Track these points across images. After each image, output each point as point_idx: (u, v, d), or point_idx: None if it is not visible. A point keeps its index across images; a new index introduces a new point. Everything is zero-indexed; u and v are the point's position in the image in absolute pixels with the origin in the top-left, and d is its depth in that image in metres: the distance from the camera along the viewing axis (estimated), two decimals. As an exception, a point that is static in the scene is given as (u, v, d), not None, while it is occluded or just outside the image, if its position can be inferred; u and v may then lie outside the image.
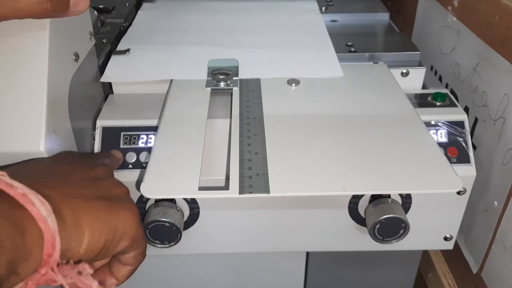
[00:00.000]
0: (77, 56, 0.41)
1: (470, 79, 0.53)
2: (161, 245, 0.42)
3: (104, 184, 0.34)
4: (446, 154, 0.44)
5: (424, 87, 0.51)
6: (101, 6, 0.62)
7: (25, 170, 0.33)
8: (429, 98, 0.48)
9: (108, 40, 0.53)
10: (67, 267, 0.28)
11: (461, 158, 0.44)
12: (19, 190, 0.26)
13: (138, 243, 0.34)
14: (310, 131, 0.40)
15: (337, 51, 0.53)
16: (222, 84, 0.47)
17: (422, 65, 0.51)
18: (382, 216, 0.41)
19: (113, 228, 0.31)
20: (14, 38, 0.35)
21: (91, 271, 0.29)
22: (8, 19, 0.28)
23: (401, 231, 0.42)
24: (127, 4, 0.64)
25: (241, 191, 0.34)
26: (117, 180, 0.37)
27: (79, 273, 0.29)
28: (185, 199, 0.43)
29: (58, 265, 0.27)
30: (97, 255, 0.31)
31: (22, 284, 0.26)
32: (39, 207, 0.26)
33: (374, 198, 0.43)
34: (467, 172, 0.44)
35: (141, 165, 0.43)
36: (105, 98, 0.48)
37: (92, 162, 0.37)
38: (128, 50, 0.52)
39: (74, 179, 0.32)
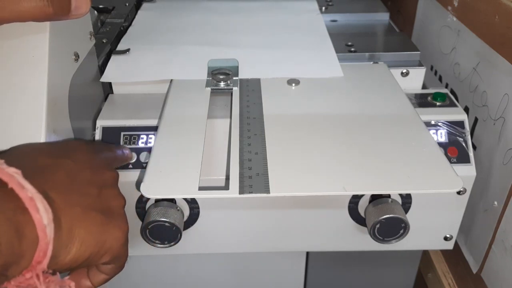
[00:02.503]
0: (77, 56, 0.41)
1: (470, 79, 0.53)
2: (161, 245, 0.42)
3: (106, 193, 0.34)
4: (446, 154, 0.44)
5: (424, 87, 0.51)
6: (101, 6, 0.62)
7: (34, 160, 0.32)
8: (429, 98, 0.48)
9: (108, 40, 0.53)
10: (52, 278, 0.28)
11: (461, 158, 0.44)
12: (28, 193, 0.26)
13: (119, 259, 0.35)
14: (310, 131, 0.40)
15: (337, 51, 0.53)
16: (222, 84, 0.47)
17: (422, 65, 0.51)
18: (382, 216, 0.41)
19: (101, 243, 0.32)
20: (14, 38, 0.35)
21: None
22: (9, 22, 0.28)
23: (401, 231, 0.42)
24: (127, 4, 0.64)
25: (241, 191, 0.34)
26: (118, 190, 0.37)
27: None
28: (185, 199, 0.43)
29: (43, 272, 0.27)
30: (79, 265, 0.31)
31: (5, 284, 0.27)
32: (42, 214, 0.27)
33: (374, 198, 0.43)
34: (467, 172, 0.44)
35: (141, 165, 0.43)
36: (105, 98, 0.48)
37: (102, 162, 0.37)
38: (128, 50, 0.52)
39: (80, 182, 0.32)
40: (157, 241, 0.42)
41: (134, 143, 0.43)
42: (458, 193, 0.44)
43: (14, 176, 0.27)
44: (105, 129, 0.44)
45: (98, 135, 0.44)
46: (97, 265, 0.35)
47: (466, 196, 0.45)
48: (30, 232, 0.26)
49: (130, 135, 0.44)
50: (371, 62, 0.53)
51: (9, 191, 0.26)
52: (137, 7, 0.66)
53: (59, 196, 0.29)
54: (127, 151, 0.42)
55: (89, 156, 0.35)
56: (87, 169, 0.34)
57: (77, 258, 0.30)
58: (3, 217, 0.25)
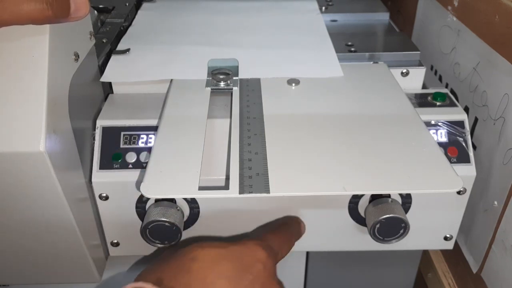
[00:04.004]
0: (77, 56, 0.41)
1: (470, 79, 0.53)
2: (161, 245, 0.42)
3: None
4: (446, 154, 0.44)
5: (424, 87, 0.51)
6: (101, 6, 0.62)
7: None
8: (429, 98, 0.48)
9: (108, 40, 0.53)
10: None
11: (461, 158, 0.44)
12: None
13: None
14: (310, 131, 0.40)
15: (337, 51, 0.53)
16: (222, 84, 0.47)
17: (422, 65, 0.51)
18: (382, 216, 0.41)
19: None
20: (14, 38, 0.35)
21: None
22: (9, 24, 0.29)
23: (401, 231, 0.42)
24: (127, 4, 0.64)
25: (241, 191, 0.34)
26: None
27: None
28: (185, 199, 0.43)
29: None
30: None
31: None
32: None
33: (374, 198, 0.43)
34: (467, 172, 0.44)
35: (141, 165, 0.43)
36: (105, 98, 0.48)
37: (275, 278, 0.36)
38: (128, 50, 0.52)
39: None
40: (157, 241, 0.42)
41: (134, 143, 0.43)
42: (458, 193, 0.44)
43: None
44: (105, 129, 0.44)
45: (98, 135, 0.44)
46: None
47: (466, 196, 0.45)
48: None
49: (130, 135, 0.44)
50: (371, 62, 0.53)
51: None
52: (137, 7, 0.66)
53: None
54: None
55: (269, 278, 0.34)
56: None
57: None
58: None
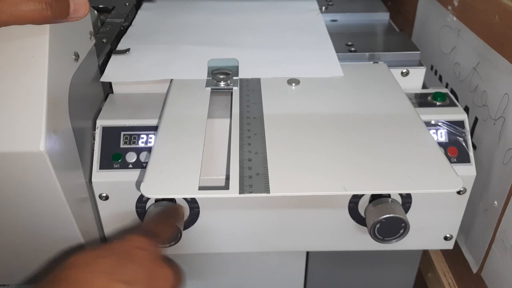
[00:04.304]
0: (77, 55, 0.41)
1: (470, 78, 0.53)
2: (161, 245, 0.42)
3: None
4: (446, 154, 0.44)
5: (424, 86, 0.51)
6: (101, 6, 0.62)
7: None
8: (429, 98, 0.48)
9: (108, 40, 0.53)
10: None
11: (461, 157, 0.44)
12: None
13: None
14: (310, 131, 0.40)
15: (337, 51, 0.53)
16: (222, 84, 0.47)
17: (422, 65, 0.51)
18: (382, 215, 0.41)
19: None
20: (14, 38, 0.35)
21: None
22: (9, 24, 0.29)
23: (401, 231, 0.42)
24: (127, 4, 0.64)
25: (241, 191, 0.34)
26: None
27: None
28: (185, 198, 0.43)
29: None
30: None
31: None
32: None
33: (374, 197, 0.43)
34: (467, 172, 0.44)
35: (141, 165, 0.43)
36: (105, 98, 0.48)
37: (161, 264, 0.36)
38: (128, 50, 0.52)
39: None
40: (157, 241, 0.42)
41: (134, 143, 0.43)
42: (458, 193, 0.44)
43: None
44: (105, 129, 0.44)
45: (98, 135, 0.44)
46: None
47: (466, 196, 0.45)
48: None
49: (130, 135, 0.44)
50: (371, 62, 0.53)
51: None
52: (137, 7, 0.66)
53: None
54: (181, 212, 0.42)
55: (154, 260, 0.35)
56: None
57: None
58: None
